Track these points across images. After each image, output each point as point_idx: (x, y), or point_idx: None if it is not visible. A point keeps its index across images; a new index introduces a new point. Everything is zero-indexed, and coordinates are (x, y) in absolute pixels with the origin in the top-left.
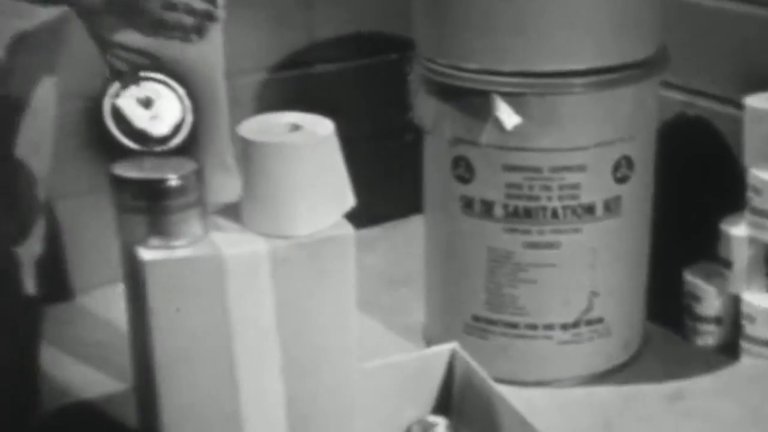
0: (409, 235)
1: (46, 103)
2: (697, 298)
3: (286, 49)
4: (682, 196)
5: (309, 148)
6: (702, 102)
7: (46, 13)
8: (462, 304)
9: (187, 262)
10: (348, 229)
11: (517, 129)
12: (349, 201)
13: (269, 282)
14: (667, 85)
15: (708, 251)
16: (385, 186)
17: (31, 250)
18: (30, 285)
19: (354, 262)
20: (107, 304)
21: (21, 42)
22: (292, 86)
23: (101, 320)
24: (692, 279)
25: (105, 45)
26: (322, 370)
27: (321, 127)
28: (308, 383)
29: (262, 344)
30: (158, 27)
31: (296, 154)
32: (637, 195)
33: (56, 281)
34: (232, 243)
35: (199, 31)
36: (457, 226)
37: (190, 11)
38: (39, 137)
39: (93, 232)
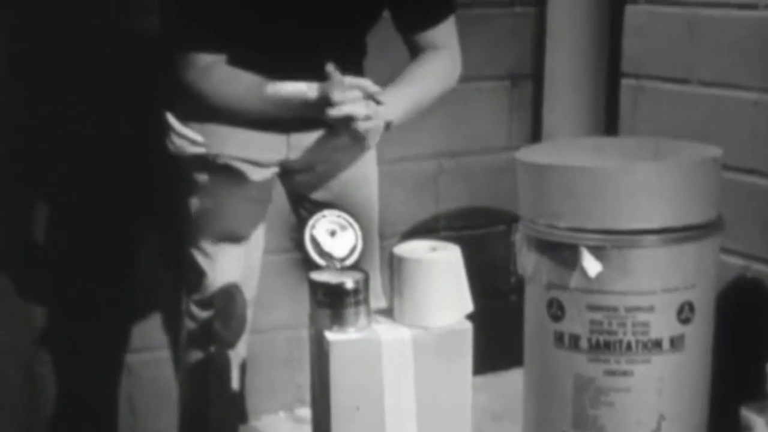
0: (510, 381)
1: (258, 243)
2: (749, 429)
3: (417, 219)
4: (742, 342)
5: (442, 264)
6: (757, 266)
7: (259, 175)
8: (553, 423)
9: (357, 343)
10: (468, 325)
11: (599, 276)
12: (469, 306)
13: (411, 360)
14: (728, 251)
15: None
16: (491, 340)
17: (239, 355)
18: (236, 383)
19: (471, 350)
20: (274, 427)
21: (242, 193)
22: None
23: None
24: (746, 412)
25: (298, 199)
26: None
27: (451, 250)
28: None
29: (405, 406)
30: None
31: (433, 268)
32: (698, 335)
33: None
34: (386, 331)
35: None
36: (550, 356)
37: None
38: (251, 268)
39: (262, 366)
